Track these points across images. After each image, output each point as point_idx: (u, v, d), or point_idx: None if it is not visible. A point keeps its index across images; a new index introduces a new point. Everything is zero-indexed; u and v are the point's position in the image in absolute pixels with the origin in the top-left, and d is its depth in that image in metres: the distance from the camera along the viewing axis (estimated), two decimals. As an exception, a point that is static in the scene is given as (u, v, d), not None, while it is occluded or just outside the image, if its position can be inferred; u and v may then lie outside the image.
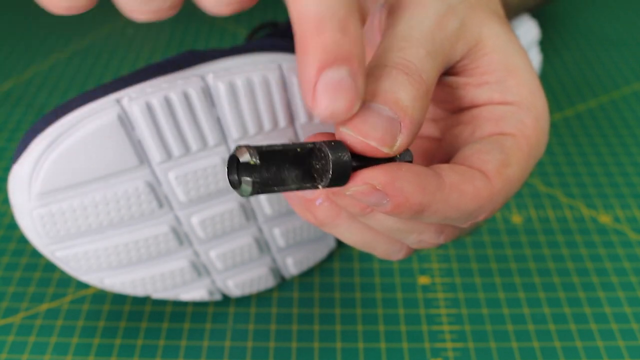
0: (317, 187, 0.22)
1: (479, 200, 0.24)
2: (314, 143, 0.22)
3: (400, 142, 0.22)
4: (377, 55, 0.24)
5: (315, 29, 0.20)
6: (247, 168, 0.20)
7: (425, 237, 0.25)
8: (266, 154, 0.20)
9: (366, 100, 0.22)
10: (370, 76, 0.23)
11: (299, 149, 0.21)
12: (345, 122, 0.22)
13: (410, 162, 0.24)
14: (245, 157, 0.20)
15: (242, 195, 0.21)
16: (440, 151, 0.28)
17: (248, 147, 0.20)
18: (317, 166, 0.22)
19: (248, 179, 0.20)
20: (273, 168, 0.21)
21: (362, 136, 0.22)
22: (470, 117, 0.27)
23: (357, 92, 0.21)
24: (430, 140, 0.29)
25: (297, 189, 0.21)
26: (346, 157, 0.21)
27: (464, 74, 0.27)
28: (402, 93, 0.22)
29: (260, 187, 0.20)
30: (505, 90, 0.26)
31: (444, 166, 0.24)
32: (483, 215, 0.25)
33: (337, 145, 0.21)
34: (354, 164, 0.22)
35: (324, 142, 0.21)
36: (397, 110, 0.22)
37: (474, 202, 0.24)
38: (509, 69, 0.26)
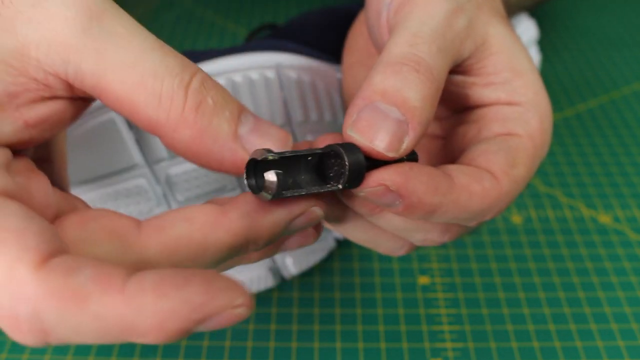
0: (332, 190, 0.21)
1: (488, 200, 0.24)
2: (327, 146, 0.21)
3: (406, 145, 0.22)
4: (386, 50, 0.24)
5: None
6: (265, 172, 0.20)
7: (430, 236, 0.25)
8: (282, 159, 0.20)
9: (373, 99, 0.22)
10: (379, 72, 0.22)
11: (311, 154, 0.21)
12: (352, 125, 0.22)
13: (416, 160, 0.24)
14: (264, 159, 0.20)
15: (261, 199, 0.20)
16: (443, 150, 0.28)
17: (267, 150, 0.20)
18: (332, 169, 0.21)
19: (271, 180, 0.20)
20: (290, 172, 0.21)
21: (368, 141, 0.21)
22: (475, 116, 0.27)
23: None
24: (433, 139, 0.29)
25: (313, 192, 0.21)
26: (360, 158, 0.21)
27: (470, 73, 0.27)
28: (412, 92, 0.22)
29: (280, 191, 0.20)
30: (512, 91, 0.26)
31: (452, 167, 0.24)
32: (490, 215, 0.25)
33: (351, 147, 0.21)
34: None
35: (337, 144, 0.21)
36: (405, 111, 0.22)
37: (482, 203, 0.24)
38: (515, 70, 0.26)
